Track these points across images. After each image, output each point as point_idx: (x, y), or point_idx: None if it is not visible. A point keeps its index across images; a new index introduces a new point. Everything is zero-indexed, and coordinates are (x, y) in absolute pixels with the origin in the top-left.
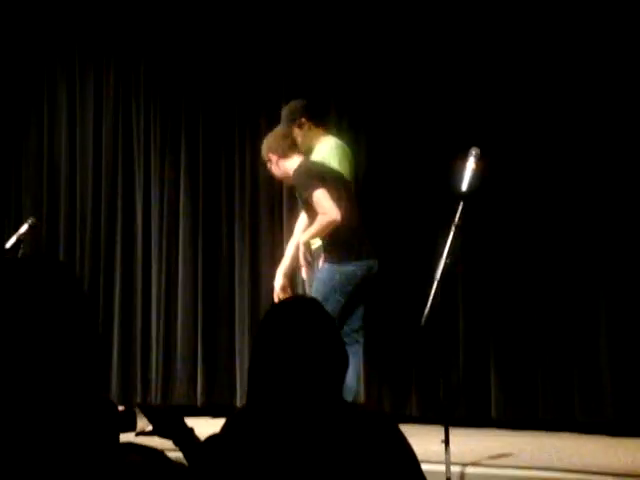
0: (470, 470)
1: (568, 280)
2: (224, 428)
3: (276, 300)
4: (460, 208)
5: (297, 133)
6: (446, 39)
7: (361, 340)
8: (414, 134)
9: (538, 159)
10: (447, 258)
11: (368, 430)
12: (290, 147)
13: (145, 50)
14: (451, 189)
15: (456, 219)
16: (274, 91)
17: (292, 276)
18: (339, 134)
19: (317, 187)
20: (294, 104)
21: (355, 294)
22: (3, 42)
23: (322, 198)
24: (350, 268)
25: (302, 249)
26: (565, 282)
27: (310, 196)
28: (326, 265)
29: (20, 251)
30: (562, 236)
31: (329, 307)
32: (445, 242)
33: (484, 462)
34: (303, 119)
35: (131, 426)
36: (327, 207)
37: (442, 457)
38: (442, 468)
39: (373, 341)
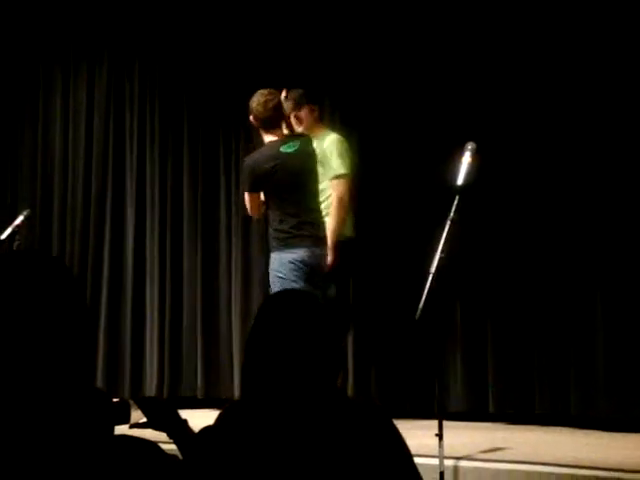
0: (463, 464)
1: (564, 275)
2: (218, 420)
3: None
4: (456, 202)
5: (302, 117)
6: (442, 34)
7: None
8: (410, 128)
9: (534, 153)
10: (442, 252)
11: (361, 422)
12: (260, 123)
13: (140, 44)
14: (447, 183)
15: (452, 213)
16: (269, 85)
17: None
18: (333, 128)
19: (245, 190)
20: (301, 91)
21: (306, 279)
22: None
23: (246, 200)
24: (293, 255)
25: None
26: (561, 277)
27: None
28: (273, 254)
29: (15, 242)
30: (558, 230)
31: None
32: (440, 236)
33: (478, 456)
34: (307, 105)
35: (125, 418)
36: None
37: (436, 451)
38: (435, 462)
39: (367, 335)
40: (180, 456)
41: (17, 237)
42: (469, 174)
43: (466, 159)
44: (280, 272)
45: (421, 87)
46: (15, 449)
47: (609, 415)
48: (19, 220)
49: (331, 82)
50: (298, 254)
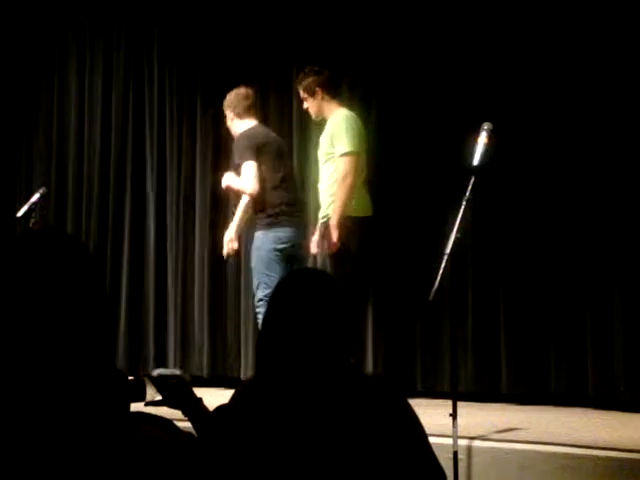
0: (477, 444)
1: (581, 254)
2: (233, 398)
3: (225, 253)
4: (471, 182)
5: (311, 102)
6: (462, 13)
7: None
8: (426, 109)
9: (551, 134)
10: (457, 233)
11: (375, 400)
12: (247, 109)
13: (158, 21)
14: (463, 163)
15: (467, 193)
16: (286, 60)
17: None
18: (351, 106)
19: (248, 159)
20: (311, 74)
21: (287, 258)
22: (14, 12)
23: (248, 171)
24: (279, 234)
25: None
26: (578, 256)
27: (240, 165)
28: (259, 233)
29: (32, 220)
30: (574, 210)
31: (273, 272)
32: (456, 216)
33: (492, 436)
34: (318, 89)
35: (141, 396)
36: (247, 181)
37: (449, 430)
38: (449, 441)
39: (382, 316)
40: (195, 434)
41: (33, 215)
42: (485, 154)
43: (482, 139)
44: (264, 250)
45: (438, 67)
46: (31, 427)
47: (626, 396)
48: (35, 198)
49: (351, 60)
50: (285, 234)
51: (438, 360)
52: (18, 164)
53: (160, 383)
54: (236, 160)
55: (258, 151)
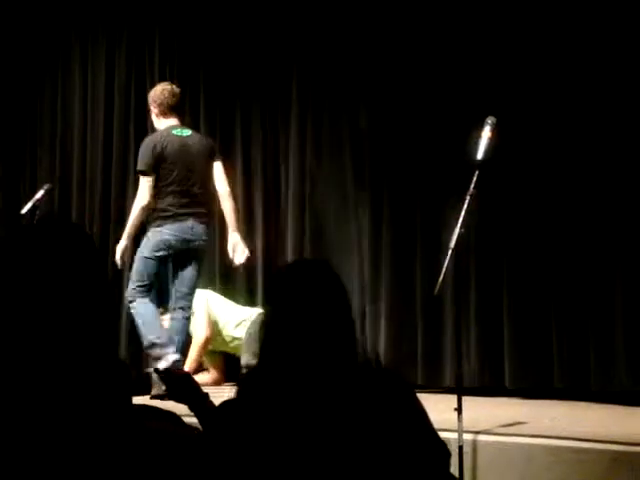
0: (482, 438)
1: (584, 249)
2: (238, 393)
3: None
4: (475, 177)
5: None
6: (464, 6)
7: (185, 305)
8: (430, 103)
9: (554, 128)
10: (461, 227)
11: (381, 390)
12: (168, 108)
13: (159, 14)
14: (466, 158)
15: (471, 188)
16: (286, 58)
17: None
18: (354, 102)
19: (143, 171)
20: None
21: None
22: (17, 9)
23: (142, 182)
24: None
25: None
26: (581, 251)
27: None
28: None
29: (36, 216)
30: (577, 204)
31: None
32: (460, 211)
33: (497, 430)
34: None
35: (146, 389)
36: (140, 192)
37: (455, 425)
38: (454, 436)
39: (387, 311)
40: (201, 429)
41: (38, 211)
42: (489, 149)
43: (486, 134)
44: (145, 251)
45: (443, 61)
46: (34, 417)
47: (630, 389)
48: (40, 194)
49: (356, 56)
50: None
51: (442, 355)
52: (22, 160)
53: (166, 377)
54: (137, 166)
55: (156, 160)
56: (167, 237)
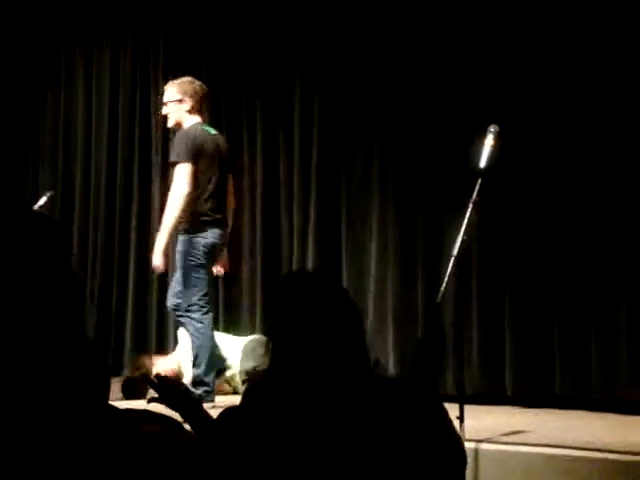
0: (484, 447)
1: (586, 257)
2: (243, 401)
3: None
4: (478, 185)
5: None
6: (466, 13)
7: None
8: (433, 111)
9: (557, 136)
10: (464, 235)
11: (395, 402)
12: (201, 105)
13: (164, 18)
14: (469, 166)
15: (474, 196)
16: (288, 56)
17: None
18: (358, 108)
19: (186, 161)
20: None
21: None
22: (21, 8)
23: (181, 171)
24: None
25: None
26: (583, 259)
27: (176, 164)
28: (180, 236)
29: None
30: (579, 212)
31: (192, 278)
32: (462, 219)
33: (499, 439)
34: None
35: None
36: (181, 183)
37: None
38: None
39: (389, 318)
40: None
41: None
42: (492, 157)
43: (489, 142)
44: (188, 254)
45: (445, 69)
46: (6, 421)
47: (630, 398)
48: (42, 201)
49: (357, 62)
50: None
51: (443, 362)
52: (25, 167)
53: (156, 385)
54: (173, 157)
55: (197, 154)
56: (213, 240)
